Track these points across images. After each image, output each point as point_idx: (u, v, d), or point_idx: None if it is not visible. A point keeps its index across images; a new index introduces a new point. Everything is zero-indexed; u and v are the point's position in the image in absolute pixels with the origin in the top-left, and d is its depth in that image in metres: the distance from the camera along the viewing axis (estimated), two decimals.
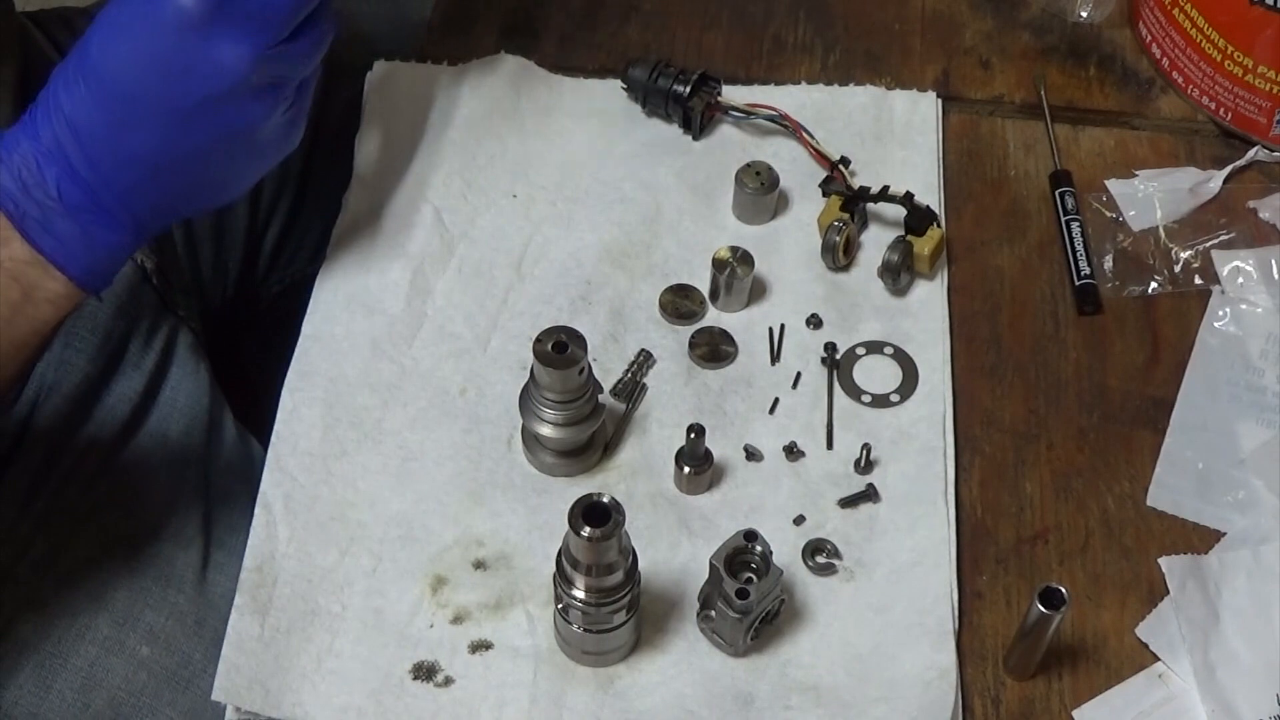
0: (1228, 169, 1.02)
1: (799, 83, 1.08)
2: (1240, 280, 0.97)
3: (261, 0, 0.76)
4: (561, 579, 0.77)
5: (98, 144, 0.77)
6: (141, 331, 1.01)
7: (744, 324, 0.95)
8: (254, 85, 0.77)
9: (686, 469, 0.87)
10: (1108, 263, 0.98)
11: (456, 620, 0.83)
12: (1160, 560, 0.84)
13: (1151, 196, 1.01)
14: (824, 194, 0.99)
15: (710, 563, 0.79)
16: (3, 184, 0.77)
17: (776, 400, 0.92)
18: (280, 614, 0.83)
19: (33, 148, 0.77)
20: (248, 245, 1.19)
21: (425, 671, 0.81)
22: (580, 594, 0.77)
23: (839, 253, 0.96)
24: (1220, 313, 0.96)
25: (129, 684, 0.92)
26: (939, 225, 0.96)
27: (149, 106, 0.76)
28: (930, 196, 1.00)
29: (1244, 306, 0.96)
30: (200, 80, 0.76)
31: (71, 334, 0.96)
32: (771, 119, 1.03)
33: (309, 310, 0.95)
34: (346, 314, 0.95)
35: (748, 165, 0.99)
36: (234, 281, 1.19)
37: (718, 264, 0.94)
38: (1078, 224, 0.99)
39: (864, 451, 0.88)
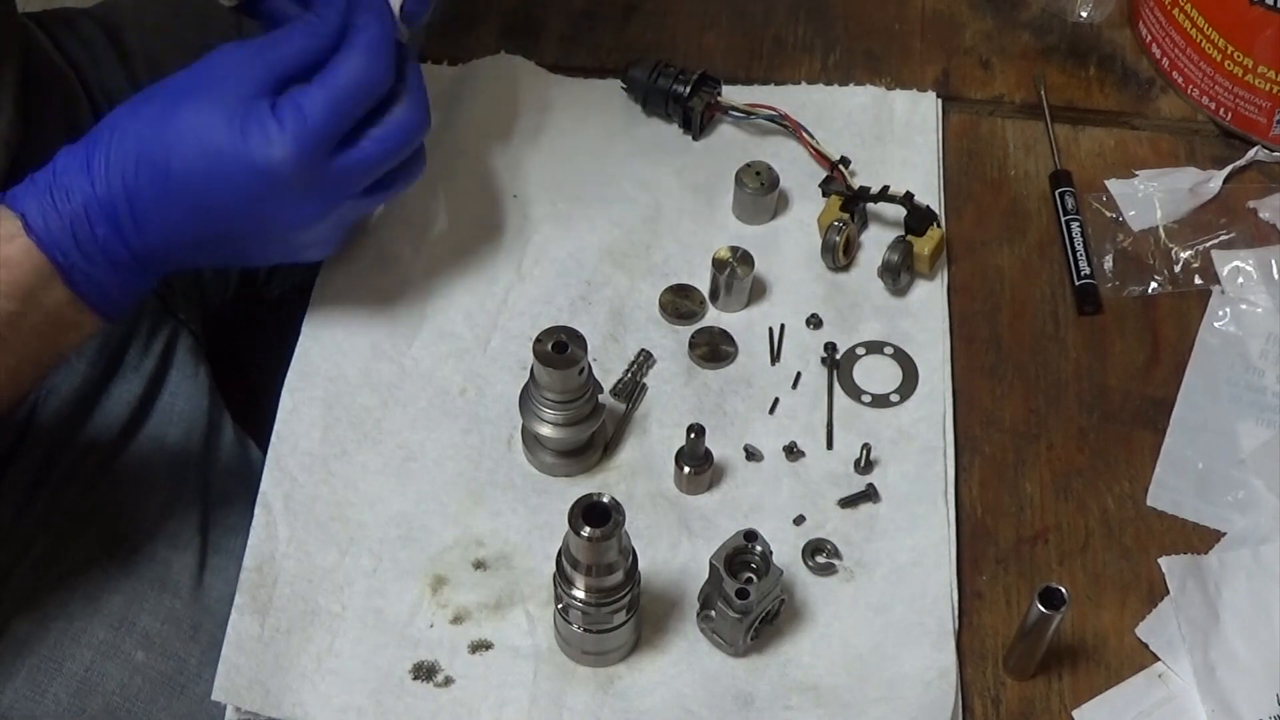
0: (1228, 169, 1.02)
1: (799, 83, 1.08)
2: (1240, 280, 0.97)
3: (351, 170, 0.80)
4: (561, 579, 0.77)
5: (151, 224, 0.79)
6: (141, 335, 1.01)
7: (744, 324, 0.95)
8: (319, 230, 0.83)
9: (686, 469, 0.87)
10: (1108, 263, 0.98)
11: (456, 620, 0.83)
12: (1160, 560, 0.84)
13: (1151, 196, 1.01)
14: (824, 194, 0.99)
15: (710, 563, 0.79)
16: (59, 236, 0.78)
17: (776, 400, 0.92)
18: (280, 614, 0.83)
19: (85, 197, 0.78)
20: None
21: (425, 671, 0.81)
22: (580, 594, 0.77)
23: (839, 253, 0.96)
24: (1220, 313, 0.96)
25: (124, 688, 0.92)
26: (939, 225, 0.96)
27: (213, 220, 0.80)
28: (930, 196, 1.00)
29: (1244, 306, 0.96)
30: (272, 221, 0.81)
31: None
32: (771, 119, 1.03)
33: (309, 310, 0.95)
34: (346, 314, 0.95)
35: (748, 165, 0.99)
36: (235, 285, 1.19)
37: (718, 264, 0.94)
38: (1078, 224, 0.99)
39: (864, 451, 0.88)
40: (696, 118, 1.03)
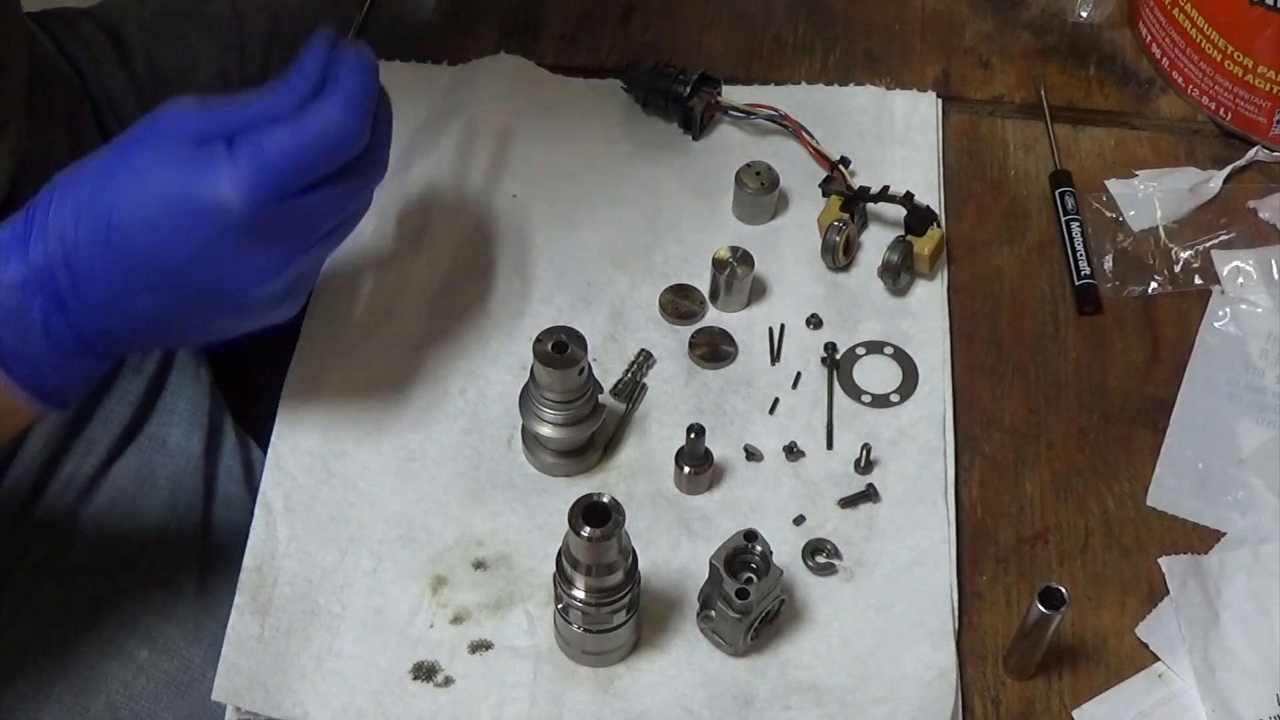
0: (1228, 169, 1.02)
1: (799, 83, 1.08)
2: (1240, 280, 0.97)
3: (307, 215, 0.73)
4: (561, 579, 0.77)
5: (92, 291, 0.72)
6: None
7: (744, 324, 0.95)
8: (275, 287, 0.75)
9: (686, 469, 0.87)
10: (1108, 263, 0.98)
11: (456, 620, 0.83)
12: (1160, 560, 0.84)
13: (1151, 196, 1.01)
14: (824, 194, 0.99)
15: (710, 563, 0.79)
16: None
17: (776, 400, 0.92)
18: (280, 614, 0.83)
19: (21, 270, 0.72)
20: None
21: (425, 671, 0.81)
22: (580, 594, 0.77)
23: (839, 253, 0.96)
24: (1220, 313, 0.96)
25: (127, 688, 0.92)
26: (939, 225, 0.96)
27: (160, 280, 0.72)
28: (930, 196, 1.00)
29: (1244, 306, 0.96)
30: (224, 276, 0.73)
31: None
32: (771, 119, 1.03)
33: (309, 310, 0.95)
34: (346, 314, 0.95)
35: (748, 165, 0.99)
36: None
37: (718, 264, 0.94)
38: (1078, 224, 0.99)
39: (864, 451, 0.88)
40: (696, 118, 1.03)
